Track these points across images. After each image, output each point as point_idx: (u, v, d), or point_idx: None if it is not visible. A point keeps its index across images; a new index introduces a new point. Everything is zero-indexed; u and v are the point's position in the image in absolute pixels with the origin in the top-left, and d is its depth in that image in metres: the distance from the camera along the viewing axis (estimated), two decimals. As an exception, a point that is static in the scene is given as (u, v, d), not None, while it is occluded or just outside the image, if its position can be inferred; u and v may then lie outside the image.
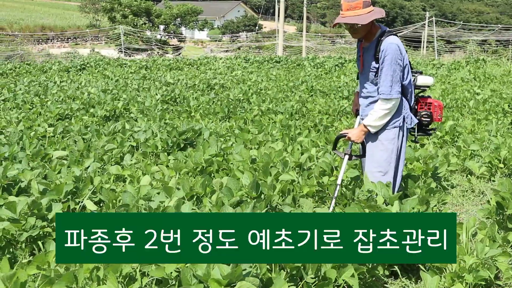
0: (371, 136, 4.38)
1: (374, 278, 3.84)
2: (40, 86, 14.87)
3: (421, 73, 4.52)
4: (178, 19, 57.15)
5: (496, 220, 4.75)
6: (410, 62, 4.35)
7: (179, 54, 42.80)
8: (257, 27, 66.02)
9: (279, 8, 40.65)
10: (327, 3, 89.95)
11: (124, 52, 43.11)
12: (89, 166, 6.13)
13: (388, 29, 4.30)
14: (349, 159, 4.48)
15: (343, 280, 3.32)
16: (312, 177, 5.44)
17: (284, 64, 23.98)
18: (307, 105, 11.29)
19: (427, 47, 43.61)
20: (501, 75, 17.77)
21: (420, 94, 4.61)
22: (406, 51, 4.38)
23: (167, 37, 54.90)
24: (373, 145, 4.39)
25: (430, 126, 4.54)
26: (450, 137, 8.25)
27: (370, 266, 3.68)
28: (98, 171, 6.14)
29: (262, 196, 4.82)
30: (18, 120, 8.95)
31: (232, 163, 6.24)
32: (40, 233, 4.22)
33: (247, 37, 62.54)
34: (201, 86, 14.74)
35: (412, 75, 4.43)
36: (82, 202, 5.00)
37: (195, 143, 7.71)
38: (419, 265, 3.96)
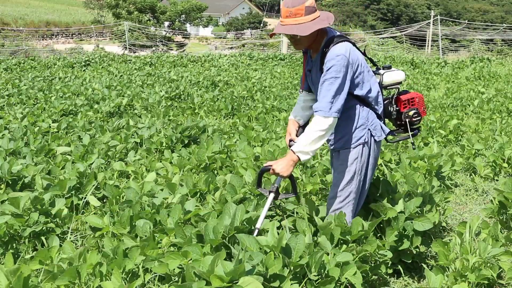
0: (336, 159, 3.80)
1: (376, 277, 3.84)
2: (44, 82, 14.90)
3: (389, 67, 3.86)
4: (183, 15, 57.12)
5: (499, 220, 4.75)
6: (373, 60, 3.84)
7: (184, 51, 42.80)
8: (261, 25, 66.03)
9: (284, 6, 40.54)
10: (332, 1, 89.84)
11: (129, 48, 43.13)
12: (93, 162, 6.14)
13: (338, 33, 3.59)
14: (275, 198, 3.69)
15: (346, 279, 3.32)
16: (316, 175, 5.44)
17: (288, 61, 23.98)
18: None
19: (431, 46, 43.51)
20: (506, 75, 17.74)
21: (397, 92, 3.95)
22: (357, 61, 3.54)
23: (171, 33, 54.90)
24: (335, 168, 3.81)
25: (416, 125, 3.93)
26: (454, 136, 8.24)
27: (372, 265, 3.68)
28: (102, 167, 6.15)
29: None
30: (23, 116, 8.96)
31: (235, 160, 6.24)
32: (43, 228, 4.23)
33: (251, 34, 62.51)
34: (205, 83, 14.74)
35: (376, 74, 3.83)
36: (85, 197, 5.02)
37: (199, 140, 7.71)
38: (422, 264, 3.96)
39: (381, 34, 51.11)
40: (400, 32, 46.85)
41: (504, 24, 47.17)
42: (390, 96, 3.97)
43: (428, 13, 59.81)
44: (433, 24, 42.65)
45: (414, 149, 4.14)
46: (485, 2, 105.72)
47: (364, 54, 3.71)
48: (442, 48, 40.20)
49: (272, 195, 3.66)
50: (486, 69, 19.79)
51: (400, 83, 3.91)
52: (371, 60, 3.82)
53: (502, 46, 46.23)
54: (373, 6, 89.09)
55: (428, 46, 42.81)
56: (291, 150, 3.50)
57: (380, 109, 3.77)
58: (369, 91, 3.65)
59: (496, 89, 14.05)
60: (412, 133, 3.90)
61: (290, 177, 3.63)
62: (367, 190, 3.93)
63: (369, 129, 3.69)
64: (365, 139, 3.68)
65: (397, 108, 3.88)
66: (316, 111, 3.45)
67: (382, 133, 3.77)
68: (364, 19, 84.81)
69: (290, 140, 3.92)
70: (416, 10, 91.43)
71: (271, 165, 3.54)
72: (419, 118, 3.87)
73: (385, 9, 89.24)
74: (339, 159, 3.76)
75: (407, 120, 3.85)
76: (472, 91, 13.54)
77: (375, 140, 3.74)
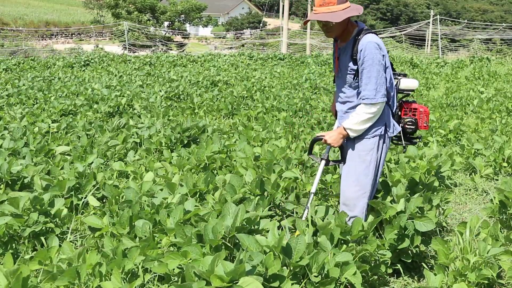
0: (351, 147, 3.95)
1: (376, 276, 3.84)
2: (44, 82, 14.89)
3: (405, 75, 4.09)
4: (182, 15, 57.13)
5: (499, 219, 4.74)
6: (392, 64, 3.94)
7: (183, 51, 42.80)
8: (261, 24, 66.08)
9: (283, 6, 40.59)
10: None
11: (128, 48, 43.13)
12: (92, 162, 6.13)
13: (366, 26, 3.85)
14: (326, 164, 4.03)
15: (346, 278, 3.31)
16: (315, 175, 5.42)
17: (288, 61, 23.96)
18: (311, 102, 11.28)
19: (431, 45, 43.54)
20: (505, 74, 17.74)
21: (404, 99, 4.17)
22: (385, 51, 3.78)
23: (171, 33, 54.92)
24: (349, 157, 3.95)
25: (415, 134, 4.11)
26: (454, 136, 8.23)
27: (372, 265, 3.67)
28: (101, 167, 6.14)
29: (265, 193, 4.81)
30: (22, 116, 8.95)
31: (235, 160, 6.24)
32: (43, 228, 4.22)
33: (251, 34, 62.56)
34: (205, 82, 14.74)
35: (395, 78, 4.02)
36: (85, 198, 5.01)
37: (198, 139, 7.70)
38: (422, 263, 3.96)
39: (380, 33, 51.09)
40: (400, 31, 46.87)
41: (503, 24, 47.18)
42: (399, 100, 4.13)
43: (427, 13, 59.84)
44: (432, 24, 42.70)
45: (404, 152, 4.34)
46: (485, 1, 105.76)
47: None
48: (441, 48, 40.21)
49: (323, 162, 4.01)
50: (485, 69, 19.79)
51: (413, 90, 4.08)
52: (391, 65, 3.95)
53: (501, 45, 46.27)
54: (372, 5, 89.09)
55: (427, 45, 42.85)
56: (342, 125, 3.83)
57: (394, 108, 3.96)
58: (391, 86, 3.87)
59: (496, 88, 14.05)
60: (407, 142, 4.09)
61: (340, 147, 3.94)
62: (376, 186, 4.05)
63: (385, 123, 3.87)
64: (381, 131, 3.86)
65: (399, 113, 4.07)
66: (363, 99, 3.72)
67: (394, 130, 3.94)
68: (363, 19, 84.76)
69: (336, 111, 4.19)
70: (416, 10, 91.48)
71: (323, 136, 3.89)
72: (414, 127, 4.01)
73: (385, 8, 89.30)
74: (354, 147, 3.92)
75: (401, 125, 4.03)
76: (472, 91, 13.54)
77: (388, 135, 3.92)
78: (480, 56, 26.00)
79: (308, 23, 45.50)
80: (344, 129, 3.81)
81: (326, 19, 3.64)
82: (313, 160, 4.24)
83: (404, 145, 4.07)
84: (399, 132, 4.02)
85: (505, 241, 4.08)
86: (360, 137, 3.86)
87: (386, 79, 3.77)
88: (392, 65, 3.93)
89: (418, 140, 4.15)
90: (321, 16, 3.65)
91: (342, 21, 3.66)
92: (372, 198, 4.07)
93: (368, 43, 3.66)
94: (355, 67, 3.76)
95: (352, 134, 3.81)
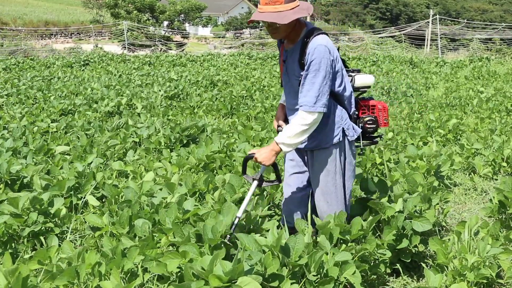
0: (311, 159, 3.71)
1: (376, 276, 3.84)
2: (43, 81, 14.90)
3: (359, 71, 3.76)
4: (182, 15, 57.11)
5: (498, 219, 4.74)
6: (344, 61, 3.64)
7: (183, 51, 42.78)
8: (260, 24, 65.91)
9: (283, 5, 40.55)
10: (331, 0, 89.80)
11: (128, 48, 43.11)
12: (91, 162, 6.13)
13: (315, 26, 3.49)
14: (259, 185, 3.66)
15: (345, 278, 3.31)
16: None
17: (287, 61, 23.93)
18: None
19: (430, 45, 43.53)
20: (505, 74, 17.75)
21: (360, 97, 3.85)
22: (336, 54, 3.47)
23: (170, 33, 54.90)
24: (315, 171, 3.70)
25: (375, 133, 3.80)
26: (453, 136, 8.24)
27: (372, 264, 3.67)
28: (101, 167, 6.14)
29: (265, 193, 4.81)
30: (21, 115, 8.95)
31: (235, 160, 6.24)
32: (42, 228, 4.22)
33: (250, 34, 62.46)
34: (204, 82, 14.74)
35: (349, 75, 3.70)
36: (84, 197, 5.01)
37: (198, 139, 7.70)
38: (421, 263, 3.96)
39: (380, 33, 51.10)
40: (399, 31, 46.81)
41: (503, 23, 47.17)
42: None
43: (427, 12, 59.78)
44: (432, 23, 42.67)
45: (362, 154, 4.01)
46: (484, 1, 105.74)
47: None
48: (441, 47, 40.18)
49: (255, 183, 3.63)
50: (485, 68, 19.80)
51: (369, 87, 3.79)
52: (343, 61, 3.66)
53: (501, 45, 46.22)
54: (372, 5, 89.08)
55: (427, 45, 42.82)
56: (274, 140, 3.46)
57: (351, 110, 3.68)
58: (344, 89, 3.57)
59: (495, 88, 14.06)
60: (368, 141, 3.82)
61: (273, 165, 3.59)
62: (351, 194, 3.85)
63: (342, 128, 3.60)
64: (339, 138, 3.59)
65: (356, 113, 3.76)
66: (301, 106, 3.39)
67: (355, 133, 3.66)
68: (363, 19, 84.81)
69: (278, 126, 3.88)
70: (415, 9, 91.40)
71: (254, 153, 3.52)
72: (374, 126, 3.72)
73: (384, 8, 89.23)
74: (314, 160, 3.69)
75: (360, 125, 3.74)
76: (471, 90, 13.55)
77: (348, 140, 3.65)
78: (479, 55, 26.05)
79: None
80: (277, 143, 3.45)
81: (271, 20, 3.27)
82: (247, 181, 3.79)
83: (362, 146, 3.78)
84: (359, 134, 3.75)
85: (504, 240, 4.08)
86: (318, 147, 3.62)
87: (338, 84, 3.50)
88: (344, 62, 3.66)
89: (379, 139, 3.88)
90: (266, 16, 3.28)
91: (289, 22, 3.30)
92: (349, 203, 3.86)
93: (318, 46, 3.33)
94: (302, 73, 3.43)
95: (285, 149, 3.45)
